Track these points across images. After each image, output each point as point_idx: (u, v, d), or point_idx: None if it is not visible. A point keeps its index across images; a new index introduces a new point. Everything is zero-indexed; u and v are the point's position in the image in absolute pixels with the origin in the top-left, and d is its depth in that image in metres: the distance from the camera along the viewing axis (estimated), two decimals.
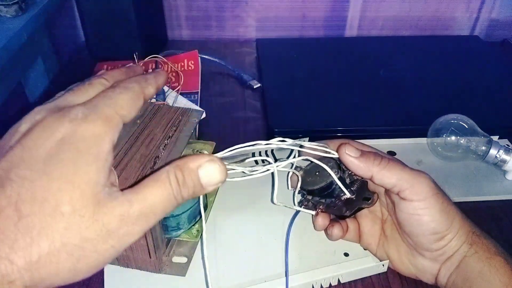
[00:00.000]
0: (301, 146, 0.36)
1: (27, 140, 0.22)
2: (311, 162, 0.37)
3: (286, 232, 0.38)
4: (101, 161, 0.22)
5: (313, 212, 0.37)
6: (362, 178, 0.36)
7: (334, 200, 0.36)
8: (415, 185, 0.33)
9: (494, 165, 0.47)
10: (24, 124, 0.23)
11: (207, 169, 0.25)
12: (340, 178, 0.36)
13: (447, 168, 0.49)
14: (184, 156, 0.27)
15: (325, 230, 0.38)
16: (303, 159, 0.38)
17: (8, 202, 0.20)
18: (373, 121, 0.57)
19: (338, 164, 0.37)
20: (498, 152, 0.46)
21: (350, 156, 0.34)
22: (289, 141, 0.37)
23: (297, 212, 0.38)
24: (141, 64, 0.59)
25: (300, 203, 0.38)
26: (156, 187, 0.24)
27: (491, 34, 0.84)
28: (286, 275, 0.34)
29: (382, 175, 0.34)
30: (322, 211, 0.37)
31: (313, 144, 0.37)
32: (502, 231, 0.43)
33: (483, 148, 0.47)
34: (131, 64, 0.29)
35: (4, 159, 0.21)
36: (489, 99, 0.61)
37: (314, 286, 0.36)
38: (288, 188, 0.39)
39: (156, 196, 0.23)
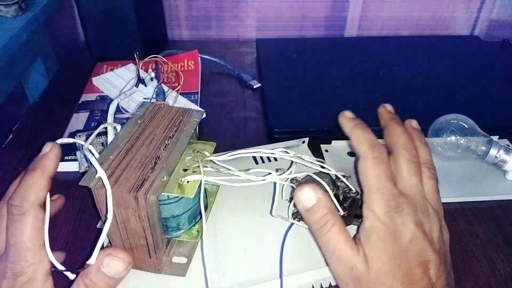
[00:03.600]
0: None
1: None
2: (308, 175, 0.38)
3: (284, 233, 0.38)
4: None
5: (306, 226, 0.38)
6: (355, 195, 0.37)
7: None
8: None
9: (494, 165, 0.47)
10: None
11: (108, 265, 0.29)
12: (334, 195, 0.36)
13: (447, 168, 0.49)
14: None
15: None
16: (300, 172, 0.38)
17: None
18: (373, 121, 0.56)
19: (333, 180, 0.38)
20: (498, 152, 0.46)
21: (300, 204, 0.34)
22: (291, 152, 0.38)
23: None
24: (141, 64, 0.59)
25: (294, 216, 0.39)
26: None
27: (491, 34, 0.84)
28: (281, 276, 0.35)
29: (318, 241, 0.34)
30: None
31: (311, 159, 0.38)
32: (502, 231, 0.43)
33: (483, 148, 0.47)
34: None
35: None
36: (489, 99, 0.61)
37: (314, 286, 0.36)
38: (282, 198, 0.40)
39: None
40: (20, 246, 0.29)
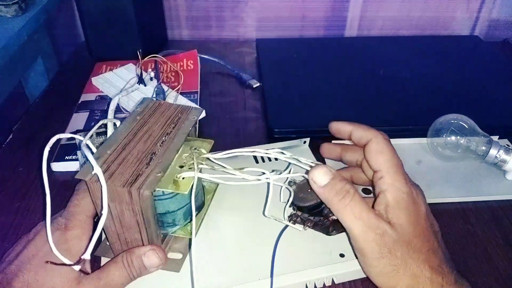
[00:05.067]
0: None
1: (31, 245, 0.33)
2: (305, 178, 0.38)
3: (278, 234, 0.38)
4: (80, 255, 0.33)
5: (301, 228, 0.37)
6: None
7: (322, 219, 0.37)
8: (362, 242, 0.32)
9: (494, 165, 0.47)
10: (32, 231, 0.35)
11: (148, 256, 0.34)
12: None
13: (447, 168, 0.49)
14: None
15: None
16: (297, 173, 0.38)
17: (22, 285, 0.31)
18: (373, 121, 0.56)
19: None
20: (498, 152, 0.46)
21: (315, 183, 0.34)
22: (287, 153, 0.38)
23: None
24: (141, 64, 0.59)
25: (289, 218, 0.38)
26: (114, 267, 0.34)
27: (491, 34, 0.84)
28: (271, 275, 0.35)
29: (340, 215, 0.33)
30: (309, 228, 0.37)
31: (309, 161, 0.37)
32: (502, 231, 0.43)
33: (483, 148, 0.47)
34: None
35: (18, 259, 0.33)
36: (489, 99, 0.61)
37: (308, 286, 0.36)
38: (280, 200, 0.40)
39: (115, 273, 0.33)
40: (75, 211, 0.34)
